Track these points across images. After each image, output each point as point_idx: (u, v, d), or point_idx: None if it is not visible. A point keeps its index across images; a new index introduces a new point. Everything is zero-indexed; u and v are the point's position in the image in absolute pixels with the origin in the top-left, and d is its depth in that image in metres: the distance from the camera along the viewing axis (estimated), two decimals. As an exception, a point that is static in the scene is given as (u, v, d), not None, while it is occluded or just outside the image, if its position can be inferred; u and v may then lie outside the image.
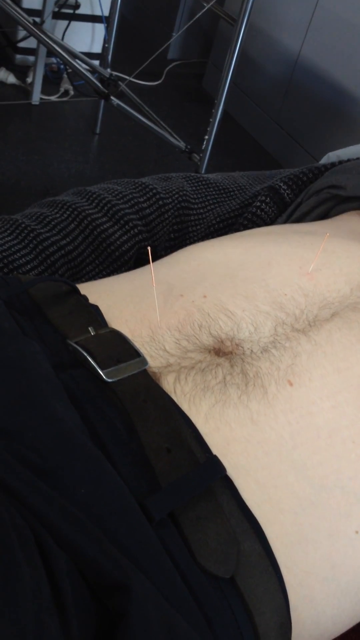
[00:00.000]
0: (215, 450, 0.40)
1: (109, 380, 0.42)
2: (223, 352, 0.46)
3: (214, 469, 0.39)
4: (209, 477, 0.38)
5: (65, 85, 2.32)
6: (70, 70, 2.27)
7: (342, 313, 0.51)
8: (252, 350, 0.47)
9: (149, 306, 0.49)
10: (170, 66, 2.69)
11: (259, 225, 0.73)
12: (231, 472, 0.40)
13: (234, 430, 0.42)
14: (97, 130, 2.16)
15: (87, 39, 2.41)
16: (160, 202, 0.72)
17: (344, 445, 0.43)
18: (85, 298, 0.51)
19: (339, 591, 0.41)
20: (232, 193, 0.77)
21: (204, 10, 1.69)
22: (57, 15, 2.20)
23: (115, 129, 2.20)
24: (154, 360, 0.45)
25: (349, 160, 0.75)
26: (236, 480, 0.40)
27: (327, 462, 0.42)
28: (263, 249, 0.56)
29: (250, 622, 0.36)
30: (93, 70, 1.87)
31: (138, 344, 0.46)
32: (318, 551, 0.40)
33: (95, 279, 0.67)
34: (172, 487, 0.37)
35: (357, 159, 0.75)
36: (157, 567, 0.34)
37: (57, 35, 2.14)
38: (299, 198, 0.73)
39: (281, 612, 0.37)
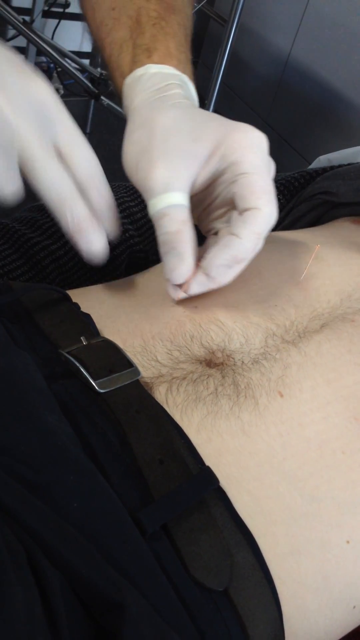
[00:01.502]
0: (207, 461, 0.40)
1: (102, 391, 0.42)
2: (214, 363, 0.46)
3: (207, 480, 0.39)
4: (202, 489, 0.38)
5: (55, 84, 2.31)
6: (60, 70, 2.26)
7: (331, 324, 0.51)
8: (243, 362, 0.46)
9: (141, 316, 0.49)
10: (161, 65, 2.68)
11: None
12: (223, 483, 0.40)
13: (225, 441, 0.42)
14: (88, 130, 2.15)
15: (77, 38, 2.40)
16: (152, 206, 0.71)
17: (334, 456, 0.43)
18: (77, 306, 0.50)
19: (331, 601, 0.41)
20: None
21: (195, 10, 1.69)
22: (46, 14, 2.19)
23: (106, 128, 2.19)
24: (145, 370, 0.45)
25: (340, 165, 0.75)
26: (228, 492, 0.39)
27: (318, 473, 0.42)
28: (254, 258, 0.56)
29: (244, 634, 0.36)
30: (83, 70, 1.87)
31: (130, 354, 0.45)
32: (310, 562, 0.40)
33: (86, 284, 0.67)
34: (165, 499, 0.37)
35: (349, 164, 0.75)
36: (150, 582, 0.33)
37: (47, 34, 2.13)
38: (290, 203, 0.73)
39: (275, 624, 0.37)
